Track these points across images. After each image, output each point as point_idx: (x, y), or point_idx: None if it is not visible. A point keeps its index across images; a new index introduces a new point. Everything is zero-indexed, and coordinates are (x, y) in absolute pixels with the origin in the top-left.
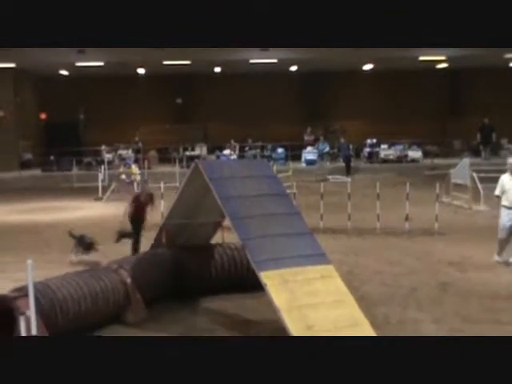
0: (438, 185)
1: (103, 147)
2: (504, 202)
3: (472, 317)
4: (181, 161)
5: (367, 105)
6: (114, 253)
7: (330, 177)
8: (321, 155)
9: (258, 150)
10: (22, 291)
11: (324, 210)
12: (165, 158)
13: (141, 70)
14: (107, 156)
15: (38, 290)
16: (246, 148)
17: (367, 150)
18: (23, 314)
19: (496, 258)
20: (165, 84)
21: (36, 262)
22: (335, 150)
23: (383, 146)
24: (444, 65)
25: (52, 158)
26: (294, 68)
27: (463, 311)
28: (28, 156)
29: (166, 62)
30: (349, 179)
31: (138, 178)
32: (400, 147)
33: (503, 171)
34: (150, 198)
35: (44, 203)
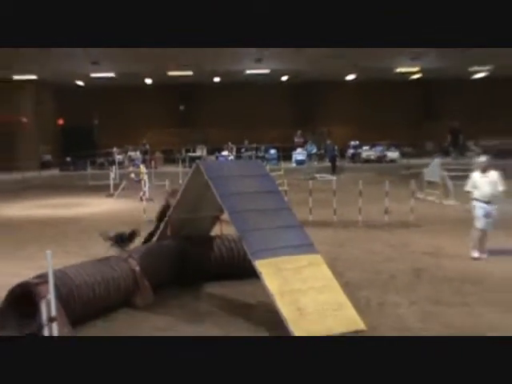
0: (413, 182)
1: (114, 149)
2: (477, 197)
3: (443, 300)
4: (183, 161)
5: (350, 111)
6: None
7: (317, 175)
8: (309, 156)
9: (253, 152)
10: (43, 278)
11: (312, 205)
12: (169, 159)
13: (148, 80)
14: (118, 157)
15: (57, 277)
16: (242, 150)
17: (351, 151)
18: (44, 298)
19: (475, 254)
20: (169, 93)
21: (55, 252)
22: (322, 151)
23: (365, 148)
24: (418, 76)
25: (69, 159)
26: (284, 78)
27: (435, 295)
28: (47, 157)
29: (170, 73)
30: (334, 177)
31: (146, 176)
32: (380, 149)
33: (470, 170)
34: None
35: (62, 199)
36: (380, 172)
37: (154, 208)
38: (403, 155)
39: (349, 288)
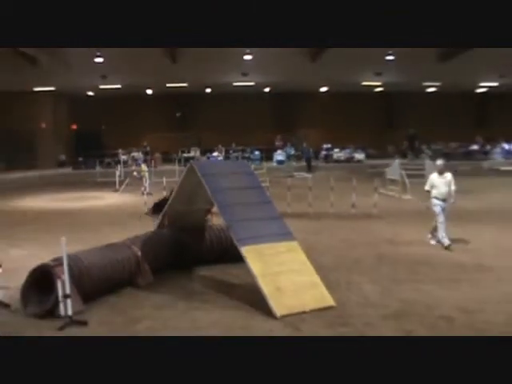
0: (376, 180)
1: (120, 150)
2: (435, 195)
3: (399, 278)
4: (179, 161)
5: (324, 118)
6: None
7: (295, 173)
8: (288, 157)
9: (240, 153)
10: (59, 261)
11: (290, 199)
12: (167, 159)
13: (149, 91)
14: (123, 157)
15: (71, 260)
16: (231, 151)
17: (324, 152)
18: (59, 278)
19: (432, 241)
20: (167, 101)
21: (69, 239)
22: (299, 153)
23: (336, 150)
24: (381, 89)
25: (80, 159)
26: (267, 89)
27: (393, 274)
28: (62, 157)
29: (168, 85)
30: (310, 175)
31: (146, 174)
32: (348, 151)
33: (423, 169)
34: None
35: (75, 194)
36: (349, 171)
37: (154, 201)
38: (368, 156)
39: (321, 270)
